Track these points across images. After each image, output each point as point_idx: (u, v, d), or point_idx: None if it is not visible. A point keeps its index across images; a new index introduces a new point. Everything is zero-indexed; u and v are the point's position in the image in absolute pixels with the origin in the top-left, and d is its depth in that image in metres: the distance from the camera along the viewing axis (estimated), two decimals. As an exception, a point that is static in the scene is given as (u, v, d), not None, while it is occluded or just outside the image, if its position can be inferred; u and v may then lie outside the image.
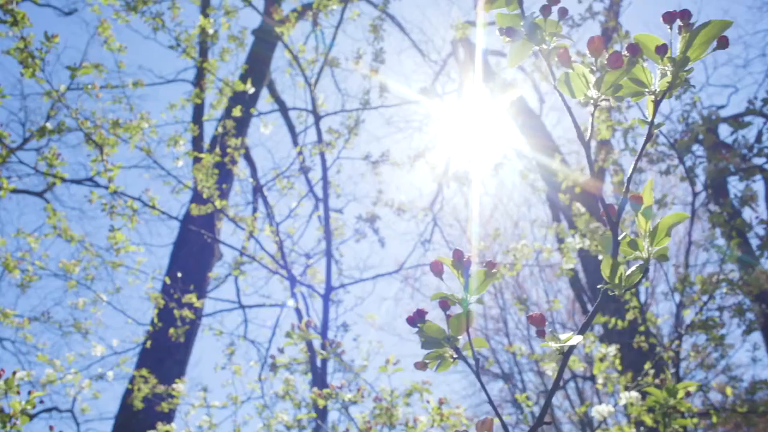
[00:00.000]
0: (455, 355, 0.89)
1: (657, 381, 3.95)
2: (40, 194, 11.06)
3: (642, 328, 4.39)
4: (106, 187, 3.43)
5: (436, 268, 0.85)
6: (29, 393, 2.20)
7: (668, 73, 0.66)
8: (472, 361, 0.89)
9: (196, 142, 7.31)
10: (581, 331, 0.77)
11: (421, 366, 0.94)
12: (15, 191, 11.25)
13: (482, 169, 6.33)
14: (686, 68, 0.65)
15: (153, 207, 3.60)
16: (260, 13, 4.58)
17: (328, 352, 2.16)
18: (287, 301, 5.31)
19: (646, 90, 0.68)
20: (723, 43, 0.66)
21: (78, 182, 10.51)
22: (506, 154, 5.52)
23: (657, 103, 0.68)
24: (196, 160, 6.42)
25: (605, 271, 0.72)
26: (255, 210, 8.09)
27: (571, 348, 0.77)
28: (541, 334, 0.79)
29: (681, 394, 3.42)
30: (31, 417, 7.74)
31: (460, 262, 0.83)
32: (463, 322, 0.86)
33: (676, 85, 0.66)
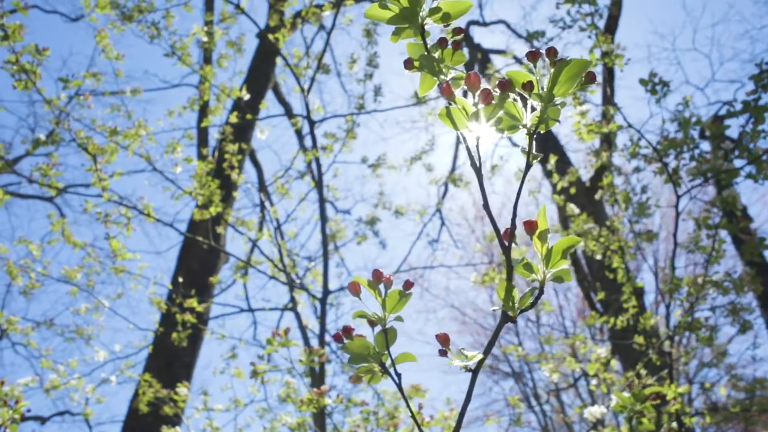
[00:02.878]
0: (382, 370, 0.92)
1: (651, 382, 3.95)
2: (50, 199, 11.18)
3: (640, 328, 4.40)
4: (100, 196, 3.48)
5: (353, 289, 0.87)
6: (16, 402, 2.24)
7: (538, 108, 0.68)
8: (396, 376, 0.92)
9: (201, 147, 7.37)
10: (486, 351, 0.79)
11: (355, 379, 0.97)
12: (25, 197, 11.39)
13: (487, 168, 6.34)
14: (556, 103, 0.68)
15: (148, 215, 3.65)
16: (254, 21, 4.62)
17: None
18: (290, 304, 5.34)
19: (520, 124, 0.70)
20: (590, 78, 0.68)
21: (86, 187, 10.61)
22: (503, 155, 5.53)
23: (531, 136, 0.71)
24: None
25: (500, 293, 0.75)
26: (262, 213, 8.15)
27: (479, 364, 0.80)
28: (442, 353, 0.81)
29: (671, 395, 3.42)
30: (44, 420, 7.83)
31: (377, 282, 0.86)
32: (383, 340, 0.88)
33: (544, 120, 0.69)
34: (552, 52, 0.67)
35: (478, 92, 0.70)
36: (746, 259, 3.00)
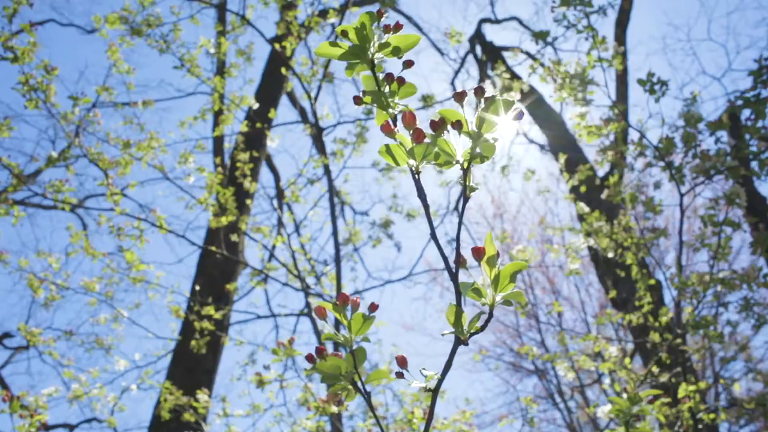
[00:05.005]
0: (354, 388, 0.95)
1: (664, 380, 3.94)
2: (72, 210, 11.36)
3: (651, 324, 4.38)
4: (113, 209, 3.55)
5: (320, 313, 0.91)
6: (31, 416, 2.31)
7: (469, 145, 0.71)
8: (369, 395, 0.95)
9: (216, 156, 7.45)
10: (443, 373, 0.82)
11: (332, 397, 1.00)
12: (47, 207, 11.59)
13: (498, 168, 6.35)
14: (485, 140, 0.71)
15: (160, 227, 3.72)
16: (260, 32, 4.67)
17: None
18: (305, 310, 5.39)
19: (453, 160, 0.73)
20: (518, 115, 0.71)
21: (106, 196, 10.75)
22: (512, 156, 5.57)
23: (465, 172, 0.73)
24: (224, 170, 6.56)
25: (449, 318, 0.78)
26: (280, 223, 8.21)
27: (439, 383, 0.83)
28: (399, 375, 0.84)
29: (682, 393, 3.41)
30: (73, 428, 7.96)
31: (344, 305, 0.89)
32: (351, 361, 0.92)
33: (476, 156, 0.72)
34: (479, 91, 0.70)
35: (411, 131, 0.73)
36: (755, 254, 2.98)
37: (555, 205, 14.31)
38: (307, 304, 4.84)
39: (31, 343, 5.04)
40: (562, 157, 4.66)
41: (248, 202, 5.63)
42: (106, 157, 3.50)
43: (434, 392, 0.83)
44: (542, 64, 4.34)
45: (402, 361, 0.85)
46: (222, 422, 5.18)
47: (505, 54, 10.79)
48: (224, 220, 4.25)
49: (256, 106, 4.61)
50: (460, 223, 0.76)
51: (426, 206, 0.77)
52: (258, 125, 4.93)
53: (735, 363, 10.64)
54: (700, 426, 3.67)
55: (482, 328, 0.78)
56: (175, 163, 5.09)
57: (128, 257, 3.78)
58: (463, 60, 11.47)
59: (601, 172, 7.41)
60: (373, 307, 0.90)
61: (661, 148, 2.74)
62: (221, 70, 6.21)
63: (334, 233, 4.46)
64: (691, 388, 3.17)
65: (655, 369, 3.68)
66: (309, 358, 0.96)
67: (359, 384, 0.93)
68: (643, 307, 4.56)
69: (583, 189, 4.51)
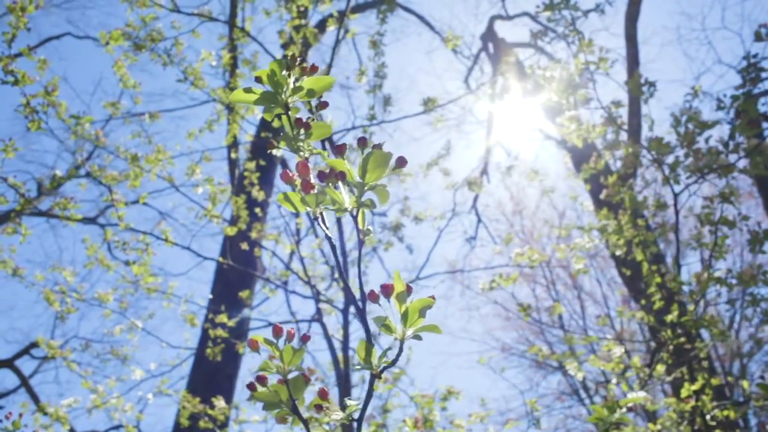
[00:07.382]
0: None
1: (669, 379, 3.92)
2: (93, 219, 11.55)
3: (652, 323, 4.36)
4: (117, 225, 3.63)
5: (253, 346, 0.94)
6: (33, 433, 2.37)
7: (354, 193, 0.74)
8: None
9: (231, 164, 7.53)
10: (365, 403, 0.85)
11: (280, 420, 1.03)
12: (69, 218, 11.81)
13: (503, 168, 6.34)
14: (373, 187, 0.73)
15: (166, 240, 3.78)
16: (260, 43, 4.72)
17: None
18: (316, 316, 5.43)
19: (343, 208, 0.76)
20: (400, 162, 0.73)
21: (125, 204, 10.92)
22: (516, 157, 5.58)
23: (355, 219, 0.76)
24: (233, 179, 6.63)
25: (360, 353, 0.80)
26: (296, 224, 8.27)
27: (362, 415, 0.85)
28: (319, 409, 0.87)
29: (685, 393, 3.40)
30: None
31: (277, 337, 0.92)
32: (285, 390, 0.95)
33: (362, 205, 0.74)
34: (362, 142, 0.73)
35: (300, 182, 0.75)
36: (753, 253, 2.96)
37: (574, 201, 14.19)
38: (318, 310, 4.88)
39: (50, 354, 5.15)
40: (567, 157, 4.65)
41: (257, 210, 5.69)
42: (110, 173, 3.58)
43: (358, 422, 0.86)
44: (551, 58, 4.33)
45: (323, 394, 0.88)
46: (238, 428, 5.26)
47: (516, 51, 10.75)
48: (231, 231, 4.31)
49: (259, 116, 4.66)
50: (359, 268, 0.79)
51: (333, 247, 0.80)
52: (263, 134, 4.98)
53: (759, 357, 10.54)
54: (713, 423, 3.64)
55: (393, 362, 0.80)
56: (187, 172, 5.16)
57: (135, 270, 3.85)
58: (476, 57, 11.46)
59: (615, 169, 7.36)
60: (305, 339, 0.93)
61: (650, 147, 2.74)
62: (231, 77, 6.28)
63: (341, 240, 4.50)
64: (694, 387, 3.16)
65: (661, 368, 3.66)
66: (250, 386, 0.99)
67: (299, 411, 0.96)
68: (654, 304, 4.54)
69: (588, 187, 4.51)
